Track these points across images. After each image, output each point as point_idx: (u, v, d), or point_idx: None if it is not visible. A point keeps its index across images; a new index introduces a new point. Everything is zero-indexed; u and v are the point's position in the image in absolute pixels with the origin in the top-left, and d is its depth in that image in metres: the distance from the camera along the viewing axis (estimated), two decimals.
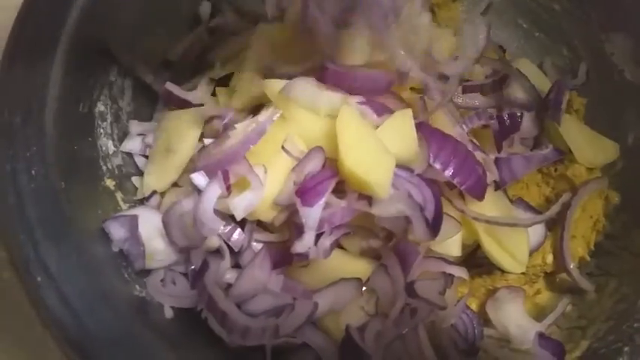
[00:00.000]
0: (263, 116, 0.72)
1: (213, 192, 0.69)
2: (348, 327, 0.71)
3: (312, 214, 0.67)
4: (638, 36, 0.89)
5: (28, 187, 0.67)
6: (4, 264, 0.83)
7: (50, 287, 0.63)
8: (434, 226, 0.69)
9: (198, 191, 0.71)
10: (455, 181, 0.73)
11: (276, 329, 0.71)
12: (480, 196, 0.75)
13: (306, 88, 0.73)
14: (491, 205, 0.79)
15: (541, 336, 0.78)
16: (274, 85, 0.73)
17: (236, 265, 0.75)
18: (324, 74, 0.73)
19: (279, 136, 0.72)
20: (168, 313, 0.73)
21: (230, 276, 0.73)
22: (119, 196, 0.80)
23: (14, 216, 0.65)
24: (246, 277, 0.71)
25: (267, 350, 0.72)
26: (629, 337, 0.75)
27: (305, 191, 0.67)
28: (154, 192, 0.80)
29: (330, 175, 0.69)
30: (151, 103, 0.90)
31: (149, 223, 0.74)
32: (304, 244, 0.67)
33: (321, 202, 0.67)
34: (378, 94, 0.76)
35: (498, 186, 0.81)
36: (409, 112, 0.74)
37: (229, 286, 0.73)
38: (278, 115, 0.72)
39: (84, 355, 0.61)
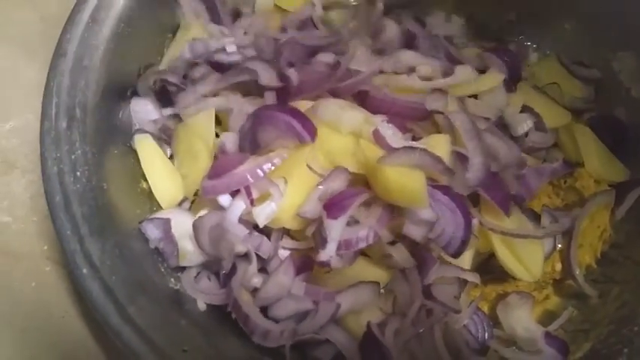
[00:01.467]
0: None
1: (238, 208, 0.77)
2: (370, 323, 0.77)
3: (335, 227, 0.74)
4: None
5: (73, 187, 0.74)
6: (44, 259, 0.93)
7: (94, 277, 0.70)
8: (462, 244, 0.76)
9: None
10: (487, 196, 0.80)
11: (294, 333, 0.77)
12: (507, 211, 0.81)
13: (328, 107, 0.80)
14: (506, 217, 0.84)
15: (547, 335, 0.84)
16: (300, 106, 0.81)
17: (262, 269, 0.81)
18: (366, 99, 0.82)
19: (303, 152, 0.79)
20: (202, 306, 0.80)
21: (257, 280, 0.79)
22: (155, 197, 0.86)
23: (61, 213, 0.72)
24: (272, 283, 0.78)
25: (287, 351, 0.78)
26: (629, 340, 0.80)
27: (331, 205, 0.74)
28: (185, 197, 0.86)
29: (355, 193, 0.75)
30: None
31: (181, 225, 0.81)
32: (327, 253, 0.74)
33: (345, 216, 0.74)
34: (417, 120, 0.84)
35: (517, 200, 0.86)
36: (447, 137, 0.80)
37: (256, 289, 0.79)
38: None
39: (125, 338, 0.68)
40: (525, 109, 0.94)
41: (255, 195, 0.76)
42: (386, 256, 0.80)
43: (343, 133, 0.80)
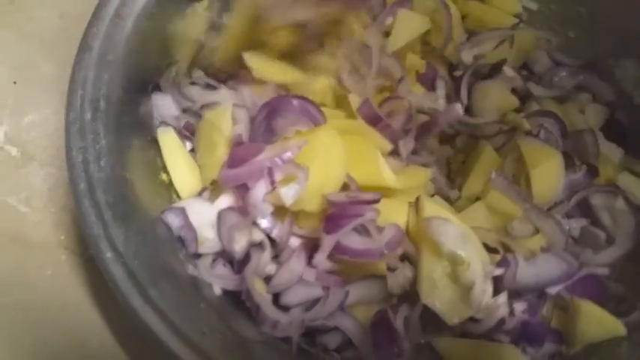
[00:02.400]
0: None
1: (260, 189, 0.80)
2: (383, 308, 0.81)
3: (328, 241, 0.78)
4: None
5: (97, 175, 0.77)
6: (60, 248, 0.96)
7: (118, 262, 0.73)
8: None
9: None
10: None
11: (302, 324, 0.81)
12: None
13: None
14: None
15: None
16: None
17: (275, 257, 0.85)
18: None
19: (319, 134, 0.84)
20: (217, 290, 0.83)
21: (270, 268, 0.83)
22: (173, 189, 0.90)
23: (86, 200, 0.76)
24: (285, 270, 0.82)
25: (294, 343, 0.81)
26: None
27: (330, 218, 0.79)
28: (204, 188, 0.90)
29: (359, 212, 0.79)
30: None
31: (200, 214, 0.84)
32: (316, 260, 0.80)
33: (340, 233, 0.78)
34: None
35: None
36: None
37: (269, 277, 0.83)
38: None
39: (147, 319, 0.71)
40: None
41: (278, 178, 0.80)
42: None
43: None
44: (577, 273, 0.87)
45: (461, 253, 0.78)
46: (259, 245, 0.84)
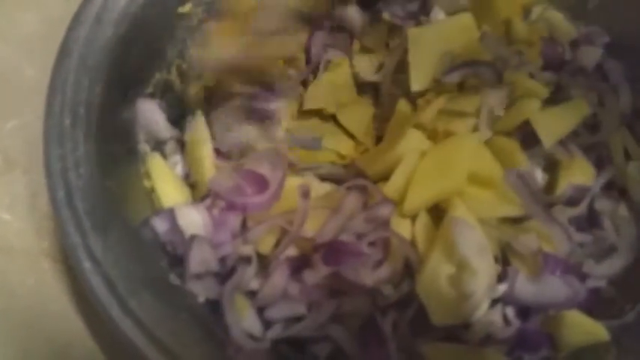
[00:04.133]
0: None
1: None
2: (372, 313, 0.79)
3: (323, 269, 0.79)
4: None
5: (76, 183, 0.76)
6: (43, 256, 0.96)
7: (96, 271, 0.72)
8: None
9: None
10: None
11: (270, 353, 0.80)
12: None
13: None
14: None
15: None
16: None
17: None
18: None
19: None
20: (201, 298, 0.82)
21: (255, 283, 0.82)
22: (156, 196, 0.89)
23: (64, 208, 0.74)
24: (268, 284, 0.80)
25: None
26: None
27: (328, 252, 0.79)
28: None
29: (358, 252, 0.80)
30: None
31: (188, 218, 0.84)
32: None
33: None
34: None
35: None
36: None
37: (253, 293, 0.82)
38: None
39: (126, 330, 0.69)
40: None
41: None
42: None
43: None
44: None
45: (472, 261, 0.77)
46: (246, 259, 0.83)
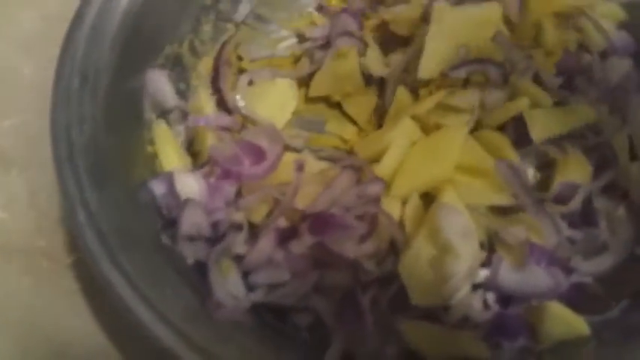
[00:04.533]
0: None
1: None
2: (353, 287, 0.81)
3: (309, 238, 0.81)
4: None
5: (78, 140, 0.79)
6: (41, 255, 0.97)
7: (90, 224, 0.74)
8: None
9: None
10: None
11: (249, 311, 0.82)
12: None
13: None
14: None
15: None
16: None
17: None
18: None
19: None
20: (190, 260, 0.84)
21: (242, 248, 0.84)
22: (158, 161, 0.92)
23: (65, 162, 0.78)
24: (255, 250, 0.82)
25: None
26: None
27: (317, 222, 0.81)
28: None
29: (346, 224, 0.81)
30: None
31: (185, 184, 0.87)
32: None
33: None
34: None
35: None
36: None
37: (240, 257, 0.84)
38: None
39: (113, 281, 0.72)
40: None
41: None
42: None
43: None
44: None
45: (455, 244, 0.78)
46: (237, 226, 0.85)
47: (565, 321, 0.82)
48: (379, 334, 0.81)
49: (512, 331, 0.82)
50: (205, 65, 1.03)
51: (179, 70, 1.01)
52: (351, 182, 0.86)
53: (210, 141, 0.92)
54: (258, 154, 0.89)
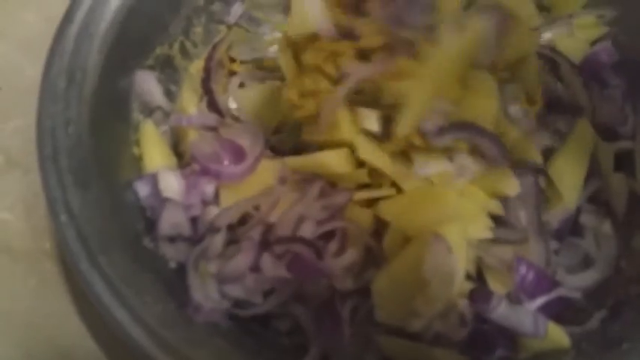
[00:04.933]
0: None
1: None
2: (331, 296, 0.81)
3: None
4: None
5: (64, 142, 0.80)
6: (45, 256, 0.98)
7: (71, 225, 0.75)
8: None
9: None
10: None
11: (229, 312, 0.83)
12: None
13: None
14: None
15: None
16: None
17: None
18: None
19: None
20: (172, 264, 0.85)
21: (220, 252, 0.84)
22: (143, 163, 0.93)
23: (49, 163, 0.79)
24: (230, 264, 0.82)
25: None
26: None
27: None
28: None
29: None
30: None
31: (166, 182, 0.88)
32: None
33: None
34: None
35: None
36: None
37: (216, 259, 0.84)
38: None
39: (91, 281, 0.73)
40: None
41: None
42: None
43: None
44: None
45: (433, 285, 0.76)
46: (216, 229, 0.85)
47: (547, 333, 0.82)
48: (358, 343, 0.82)
49: (491, 343, 0.82)
50: (197, 67, 1.04)
51: (169, 72, 1.01)
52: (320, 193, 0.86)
53: (192, 140, 0.93)
54: (238, 154, 0.89)
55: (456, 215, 0.80)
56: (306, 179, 0.85)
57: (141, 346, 0.71)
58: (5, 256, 0.97)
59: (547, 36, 0.99)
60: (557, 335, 0.82)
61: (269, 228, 0.82)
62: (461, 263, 0.77)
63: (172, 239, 0.86)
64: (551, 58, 0.98)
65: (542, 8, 1.05)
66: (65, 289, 0.95)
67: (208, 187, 0.88)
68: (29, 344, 0.91)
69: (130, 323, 0.72)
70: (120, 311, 0.72)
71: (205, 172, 0.88)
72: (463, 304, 0.80)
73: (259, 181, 0.88)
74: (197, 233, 0.86)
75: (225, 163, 0.89)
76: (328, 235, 0.83)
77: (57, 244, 0.97)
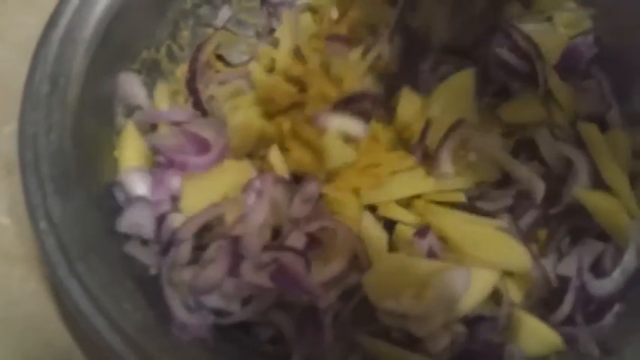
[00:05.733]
0: None
1: None
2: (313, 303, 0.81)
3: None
4: None
5: (45, 149, 0.81)
6: (42, 261, 0.95)
7: (51, 233, 0.77)
8: None
9: None
10: None
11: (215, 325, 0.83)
12: None
13: None
14: None
15: None
16: None
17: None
18: None
19: None
20: (153, 270, 0.86)
21: (188, 273, 0.84)
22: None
23: (30, 170, 0.80)
24: (202, 275, 0.82)
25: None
26: None
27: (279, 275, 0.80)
28: None
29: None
30: None
31: (132, 181, 0.90)
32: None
33: None
34: None
35: None
36: None
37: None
38: None
39: (69, 288, 0.74)
40: None
41: None
42: None
43: None
44: None
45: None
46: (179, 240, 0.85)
47: (541, 335, 0.83)
48: (341, 347, 0.82)
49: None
50: (183, 71, 1.04)
51: (155, 76, 1.02)
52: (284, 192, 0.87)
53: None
54: (203, 145, 0.90)
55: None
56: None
57: (118, 354, 0.72)
58: (2, 261, 0.97)
59: (527, 29, 0.99)
60: (552, 338, 0.83)
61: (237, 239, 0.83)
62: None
63: (144, 242, 0.87)
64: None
65: (524, 3, 1.06)
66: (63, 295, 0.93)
67: (175, 180, 0.89)
68: (27, 349, 0.91)
69: (108, 331, 0.72)
70: (98, 319, 0.73)
71: (171, 164, 0.89)
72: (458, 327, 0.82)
73: (224, 181, 0.89)
74: (161, 239, 0.86)
75: (191, 153, 0.90)
76: (315, 244, 0.84)
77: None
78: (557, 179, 0.91)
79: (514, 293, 0.85)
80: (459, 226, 0.86)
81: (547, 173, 0.91)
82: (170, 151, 0.89)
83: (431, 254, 0.83)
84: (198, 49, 1.03)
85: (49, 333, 0.92)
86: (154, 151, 0.91)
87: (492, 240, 0.85)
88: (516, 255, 0.84)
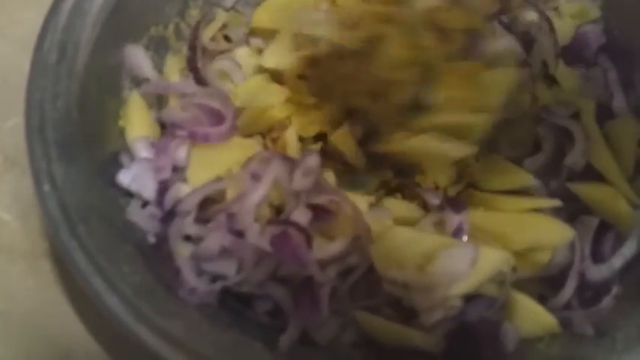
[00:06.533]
0: None
1: None
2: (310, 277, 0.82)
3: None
4: None
5: (51, 115, 0.83)
6: (44, 257, 0.99)
7: (53, 195, 0.78)
8: None
9: None
10: None
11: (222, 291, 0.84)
12: None
13: None
14: None
15: None
16: None
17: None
18: None
19: None
20: (152, 239, 0.87)
21: (193, 229, 0.86)
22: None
23: (35, 135, 0.81)
24: (207, 241, 0.84)
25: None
26: None
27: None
28: None
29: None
30: None
31: (138, 148, 0.93)
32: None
33: None
34: None
35: None
36: None
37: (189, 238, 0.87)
38: None
39: (70, 249, 0.75)
40: None
41: None
42: None
43: None
44: None
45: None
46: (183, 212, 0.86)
47: (536, 317, 0.84)
48: (336, 321, 0.83)
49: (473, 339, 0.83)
50: None
51: (163, 53, 1.04)
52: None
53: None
54: (216, 115, 0.92)
55: None
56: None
57: (115, 314, 0.73)
58: (3, 257, 0.98)
59: (532, 17, 1.01)
60: (547, 319, 0.84)
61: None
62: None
63: (144, 205, 0.89)
64: None
65: None
66: (64, 290, 0.96)
67: (180, 151, 0.90)
68: (28, 346, 0.92)
69: (106, 291, 0.74)
70: (96, 279, 0.74)
71: (194, 136, 0.90)
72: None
73: (230, 155, 0.90)
74: (163, 206, 0.88)
75: (208, 124, 0.92)
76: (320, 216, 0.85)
77: (56, 245, 0.93)
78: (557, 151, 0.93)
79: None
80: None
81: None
82: (190, 124, 0.91)
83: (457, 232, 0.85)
84: (197, 27, 1.05)
85: (50, 329, 0.93)
86: (171, 126, 0.92)
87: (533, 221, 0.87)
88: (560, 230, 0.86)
